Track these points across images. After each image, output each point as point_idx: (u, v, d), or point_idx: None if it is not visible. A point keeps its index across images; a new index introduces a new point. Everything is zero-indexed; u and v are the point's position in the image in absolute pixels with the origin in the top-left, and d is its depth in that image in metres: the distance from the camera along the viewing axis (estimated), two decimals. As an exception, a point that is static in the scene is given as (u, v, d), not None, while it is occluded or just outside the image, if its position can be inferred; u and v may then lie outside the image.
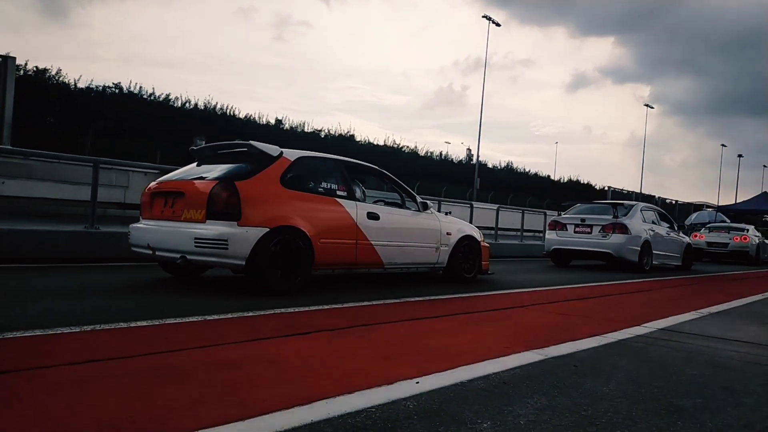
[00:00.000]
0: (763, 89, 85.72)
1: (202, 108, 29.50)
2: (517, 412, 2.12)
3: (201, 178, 4.99)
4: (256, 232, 4.67)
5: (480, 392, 2.35)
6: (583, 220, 11.06)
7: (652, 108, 64.12)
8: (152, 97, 28.04)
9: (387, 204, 6.33)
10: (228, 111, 30.47)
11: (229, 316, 3.74)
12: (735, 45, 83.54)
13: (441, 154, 40.94)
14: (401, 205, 6.42)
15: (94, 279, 5.45)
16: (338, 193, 5.54)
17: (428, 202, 6.78)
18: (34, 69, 24.07)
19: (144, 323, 3.34)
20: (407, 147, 38.36)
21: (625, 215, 10.97)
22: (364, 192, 6.21)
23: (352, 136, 35.09)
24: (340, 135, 34.50)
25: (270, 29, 75.93)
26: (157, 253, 4.97)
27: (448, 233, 6.75)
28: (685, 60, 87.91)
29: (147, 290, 4.90)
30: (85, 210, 7.45)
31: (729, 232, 18.88)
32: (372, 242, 5.70)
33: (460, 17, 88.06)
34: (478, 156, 37.53)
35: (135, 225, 5.39)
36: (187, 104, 29.21)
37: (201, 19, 69.66)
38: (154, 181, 5.51)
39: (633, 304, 6.11)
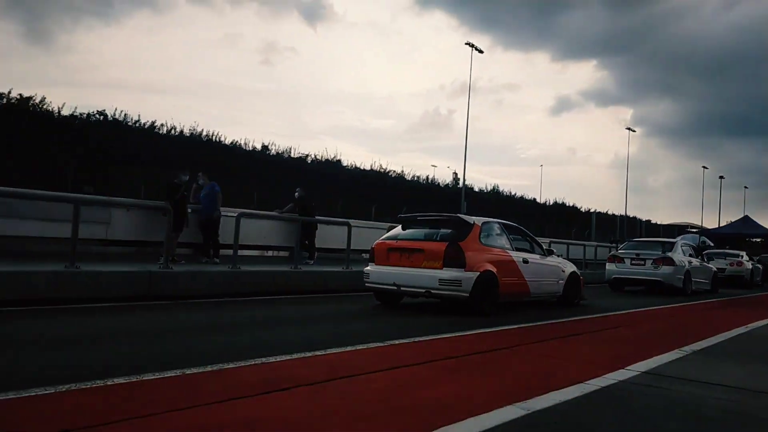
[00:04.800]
0: (740, 110, 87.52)
1: (188, 135, 29.37)
2: None
3: (429, 240, 7.57)
4: (473, 275, 7.16)
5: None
6: (638, 254, 14.01)
7: (634, 131, 65.18)
8: (137, 124, 27.92)
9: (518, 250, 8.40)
10: (214, 137, 30.37)
11: (468, 333, 5.65)
12: (713, 68, 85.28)
13: (428, 177, 41.13)
14: (532, 251, 8.70)
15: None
16: (505, 245, 8.13)
17: (553, 249, 9.38)
18: (17, 97, 23.89)
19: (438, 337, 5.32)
20: (394, 171, 38.46)
21: (670, 251, 13.90)
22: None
23: (339, 161, 35.13)
24: (327, 160, 34.51)
25: (256, 55, 76.24)
26: (401, 288, 7.39)
27: (563, 270, 9.23)
28: (665, 82, 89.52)
29: (385, 315, 7.21)
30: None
31: (726, 258, 20.24)
32: (526, 279, 8.19)
33: (445, 42, 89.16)
34: (464, 179, 37.65)
35: (372, 269, 7.80)
36: (173, 131, 29.09)
37: (187, 45, 69.83)
38: (381, 238, 8.15)
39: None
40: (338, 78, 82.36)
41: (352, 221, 10.98)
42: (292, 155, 33.20)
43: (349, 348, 4.54)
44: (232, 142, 30.97)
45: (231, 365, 3.76)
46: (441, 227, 7.82)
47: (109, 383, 3.19)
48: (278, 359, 3.99)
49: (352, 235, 10.68)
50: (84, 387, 3.06)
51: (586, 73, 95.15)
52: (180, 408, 2.78)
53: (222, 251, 10.45)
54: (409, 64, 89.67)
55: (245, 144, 31.63)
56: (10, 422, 2.51)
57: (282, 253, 13.79)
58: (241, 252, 9.27)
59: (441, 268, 7.10)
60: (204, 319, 6.17)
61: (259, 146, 32.18)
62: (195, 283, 7.85)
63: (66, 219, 7.05)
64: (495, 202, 40.72)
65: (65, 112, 25.47)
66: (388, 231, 8.97)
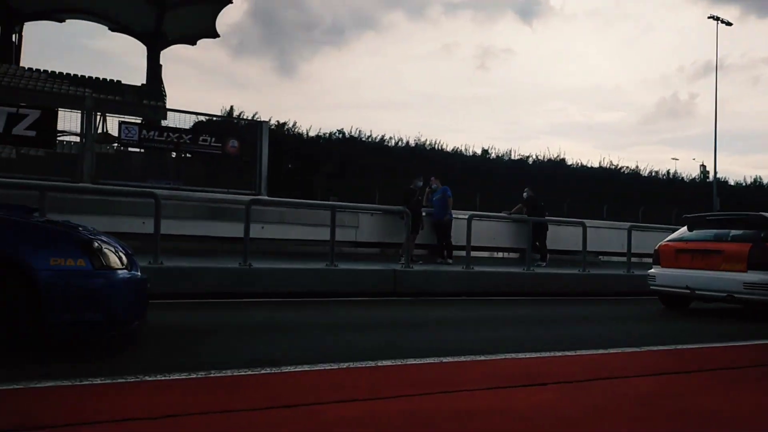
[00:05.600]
0: None
1: (413, 145, 31.23)
2: None
3: (725, 240, 7.10)
4: None
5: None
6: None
7: None
8: (369, 139, 30.67)
9: None
10: (436, 145, 31.77)
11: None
12: None
13: (668, 172, 36.70)
14: None
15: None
16: None
17: None
18: (275, 123, 28.16)
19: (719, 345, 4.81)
20: (626, 167, 35.33)
21: None
22: None
23: (563, 160, 33.61)
24: (550, 160, 33.32)
25: (472, 61, 77.74)
26: (696, 292, 7.01)
27: None
28: None
29: (665, 318, 7.00)
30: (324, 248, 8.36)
31: None
32: None
33: (681, 20, 79.31)
34: (715, 172, 32.87)
35: (658, 271, 7.50)
36: (400, 143, 31.24)
37: (408, 60, 74.59)
38: (666, 239, 7.84)
39: None
40: (558, 74, 79.24)
41: (587, 221, 10.40)
42: (512, 157, 32.91)
43: (612, 350, 4.32)
44: (453, 149, 32.00)
45: (482, 357, 3.87)
46: (737, 227, 7.34)
47: (379, 364, 3.55)
48: (531, 356, 3.98)
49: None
50: (356, 366, 3.46)
51: None
52: (447, 390, 2.96)
53: (455, 252, 10.83)
54: (639, 49, 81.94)
55: (465, 150, 32.38)
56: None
57: (512, 255, 13.72)
58: (472, 253, 9.48)
59: (745, 271, 6.63)
60: (451, 315, 6.46)
61: (479, 151, 32.66)
62: (431, 282, 8.27)
63: (321, 224, 8.08)
64: (757, 197, 34.56)
65: (312, 133, 29.27)
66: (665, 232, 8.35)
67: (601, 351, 4.32)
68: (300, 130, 29.54)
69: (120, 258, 3.60)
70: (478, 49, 78.98)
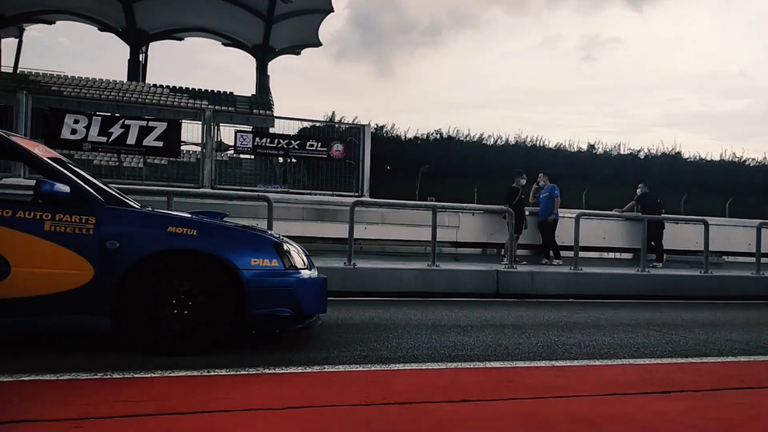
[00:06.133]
0: None
1: (513, 143, 30.51)
2: None
3: None
4: None
5: None
6: None
7: None
8: (467, 138, 30.39)
9: None
10: (538, 142, 30.80)
11: None
12: None
13: (803, 164, 33.06)
14: None
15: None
16: None
17: None
18: (375, 126, 28.73)
19: None
20: (752, 159, 32.23)
21: None
22: None
23: (678, 153, 31.30)
24: (663, 153, 31.16)
25: (576, 53, 74.51)
26: None
27: None
28: None
29: None
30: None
31: None
32: None
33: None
34: None
35: None
36: (498, 141, 30.64)
37: (508, 56, 73.04)
38: None
39: None
40: (672, 61, 73.86)
41: (709, 219, 9.59)
42: (621, 152, 31.14)
43: (742, 358, 3.98)
44: (556, 145, 30.89)
45: (597, 362, 3.71)
46: None
47: (488, 365, 3.52)
48: (651, 362, 3.76)
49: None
50: (464, 366, 3.45)
51: None
52: (561, 395, 2.87)
53: (563, 253, 10.44)
54: None
55: (569, 145, 31.15)
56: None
57: (624, 255, 12.97)
58: (580, 254, 9.09)
59: None
60: (559, 317, 6.24)
61: (584, 146, 31.24)
62: (537, 284, 8.03)
63: (422, 224, 8.15)
64: None
65: (410, 134, 29.54)
66: None
67: (730, 359, 3.99)
68: (398, 132, 29.96)
69: (302, 259, 3.96)
70: (582, 40, 75.68)
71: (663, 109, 67.06)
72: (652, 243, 10.66)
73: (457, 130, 30.43)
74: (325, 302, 4.09)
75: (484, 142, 30.55)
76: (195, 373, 3.08)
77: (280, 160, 14.61)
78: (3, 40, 35.23)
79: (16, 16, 34.57)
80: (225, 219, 4.33)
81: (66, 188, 3.36)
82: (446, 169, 26.50)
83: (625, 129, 74.30)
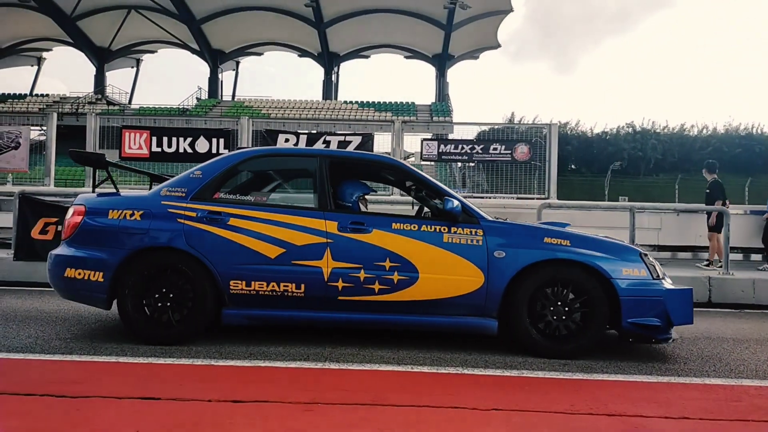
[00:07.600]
0: None
1: (722, 132, 26.86)
2: None
3: None
4: None
5: None
6: None
7: None
8: (665, 130, 27.53)
9: None
10: (754, 130, 26.67)
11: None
12: None
13: None
14: None
15: None
16: None
17: None
18: (558, 123, 27.57)
19: None
20: None
21: None
22: None
23: None
24: None
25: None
26: None
27: None
28: None
29: None
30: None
31: None
32: None
33: None
34: None
35: None
36: (704, 130, 27.23)
37: (713, 35, 64.09)
38: None
39: None
40: None
41: None
42: None
43: None
44: (778, 132, 26.44)
45: None
46: None
47: (706, 382, 3.21)
48: None
49: None
50: (677, 381, 3.18)
51: None
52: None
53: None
54: None
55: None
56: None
57: None
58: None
59: None
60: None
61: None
62: (760, 293, 6.96)
63: (616, 226, 7.61)
64: None
65: (597, 130, 27.72)
66: None
67: None
68: (583, 128, 28.33)
69: (659, 269, 4.01)
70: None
71: None
72: None
73: (653, 122, 27.75)
74: (691, 313, 3.94)
75: (685, 132, 27.41)
76: (424, 369, 3.32)
77: (459, 164, 14.82)
78: (224, 74, 41.37)
79: (233, 51, 40.36)
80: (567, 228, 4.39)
81: (458, 205, 3.81)
82: (638, 165, 24.35)
83: None
